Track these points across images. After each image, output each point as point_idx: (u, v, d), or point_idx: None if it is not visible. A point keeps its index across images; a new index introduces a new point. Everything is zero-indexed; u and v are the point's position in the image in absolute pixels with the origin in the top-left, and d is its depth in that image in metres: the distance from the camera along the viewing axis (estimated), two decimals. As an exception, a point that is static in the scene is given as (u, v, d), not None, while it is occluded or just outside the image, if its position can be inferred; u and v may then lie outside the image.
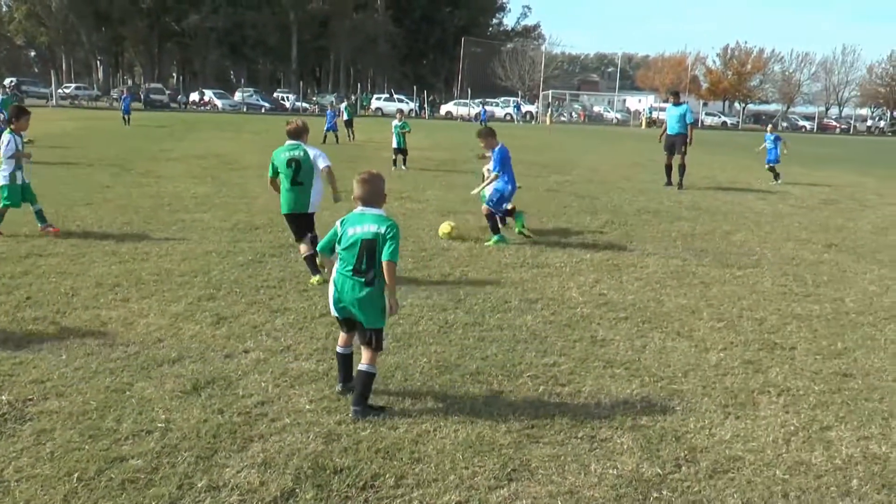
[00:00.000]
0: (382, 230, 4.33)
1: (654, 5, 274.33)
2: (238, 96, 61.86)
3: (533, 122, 60.68)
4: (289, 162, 7.09)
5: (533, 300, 6.89)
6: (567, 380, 5.03)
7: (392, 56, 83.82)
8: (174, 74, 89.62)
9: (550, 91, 71.05)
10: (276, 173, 7.24)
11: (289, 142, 7.24)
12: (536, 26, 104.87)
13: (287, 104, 61.88)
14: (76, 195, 11.76)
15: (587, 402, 4.73)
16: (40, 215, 8.99)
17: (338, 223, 4.47)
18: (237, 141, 26.02)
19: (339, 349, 4.72)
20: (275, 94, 67.59)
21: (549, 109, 66.04)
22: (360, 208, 4.45)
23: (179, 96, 61.36)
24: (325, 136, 25.20)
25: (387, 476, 3.71)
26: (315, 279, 7.09)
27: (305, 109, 58.99)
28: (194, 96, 61.94)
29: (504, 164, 9.36)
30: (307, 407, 4.45)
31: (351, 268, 4.34)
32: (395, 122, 18.43)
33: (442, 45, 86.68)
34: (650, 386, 4.99)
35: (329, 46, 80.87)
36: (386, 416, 4.34)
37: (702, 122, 63.29)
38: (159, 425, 4.14)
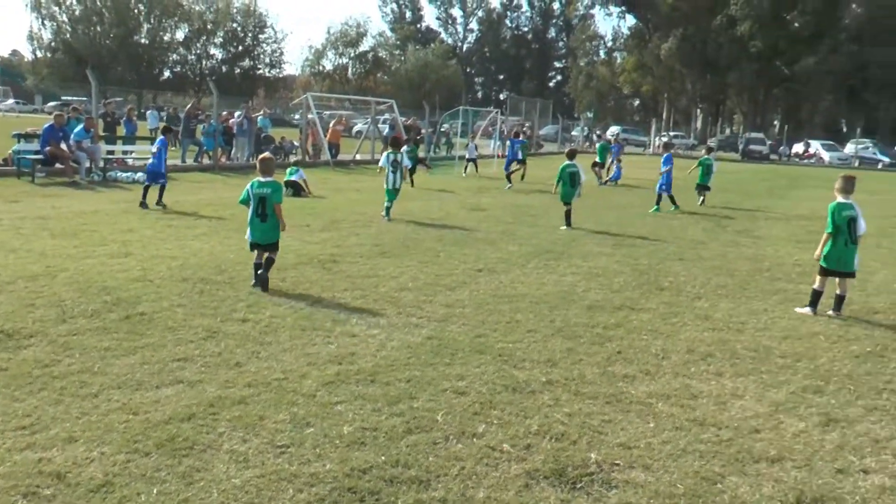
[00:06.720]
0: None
1: None
2: (850, 148, 58.40)
3: None
4: None
5: None
6: None
7: None
8: (775, 123, 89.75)
9: None
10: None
11: None
12: None
13: (913, 160, 55.94)
14: (669, 249, 12.46)
15: None
16: None
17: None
18: (848, 201, 24.40)
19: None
20: (897, 148, 61.99)
21: None
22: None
23: (781, 147, 60.94)
24: None
25: None
26: None
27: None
28: (797, 147, 60.85)
29: None
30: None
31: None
32: None
33: None
34: None
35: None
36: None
37: None
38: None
